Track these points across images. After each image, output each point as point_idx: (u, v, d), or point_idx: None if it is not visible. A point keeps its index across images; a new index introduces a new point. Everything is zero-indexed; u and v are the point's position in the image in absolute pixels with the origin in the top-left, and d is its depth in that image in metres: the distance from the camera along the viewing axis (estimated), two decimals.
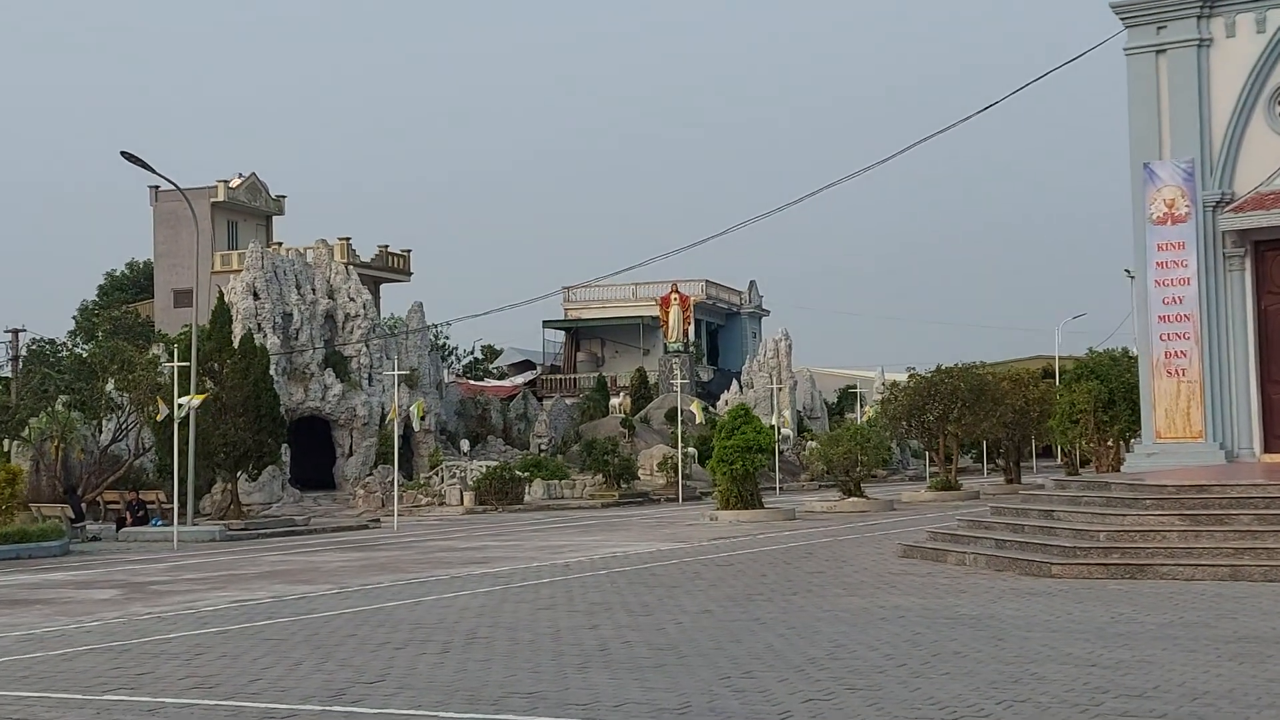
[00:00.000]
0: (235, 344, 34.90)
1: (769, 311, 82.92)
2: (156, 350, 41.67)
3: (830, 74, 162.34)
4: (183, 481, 31.09)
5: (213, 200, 61.49)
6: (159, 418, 30.83)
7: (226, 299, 44.64)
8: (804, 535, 25.75)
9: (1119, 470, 31.31)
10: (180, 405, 29.30)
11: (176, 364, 29.76)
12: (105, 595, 18.02)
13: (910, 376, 41.42)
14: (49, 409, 39.09)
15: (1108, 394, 31.48)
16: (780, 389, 58.84)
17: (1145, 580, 15.46)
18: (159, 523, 31.96)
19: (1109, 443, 32.01)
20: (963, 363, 41.01)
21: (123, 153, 29.82)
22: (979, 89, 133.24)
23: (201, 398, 29.90)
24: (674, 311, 64.04)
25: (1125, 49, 26.31)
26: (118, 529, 32.16)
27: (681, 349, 64.14)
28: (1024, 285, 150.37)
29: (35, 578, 21.20)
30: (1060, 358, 69.09)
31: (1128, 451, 28.57)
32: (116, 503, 36.67)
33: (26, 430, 38.93)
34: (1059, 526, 17.61)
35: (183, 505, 30.82)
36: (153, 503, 34.96)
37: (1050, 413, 43.73)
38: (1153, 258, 25.84)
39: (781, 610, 13.98)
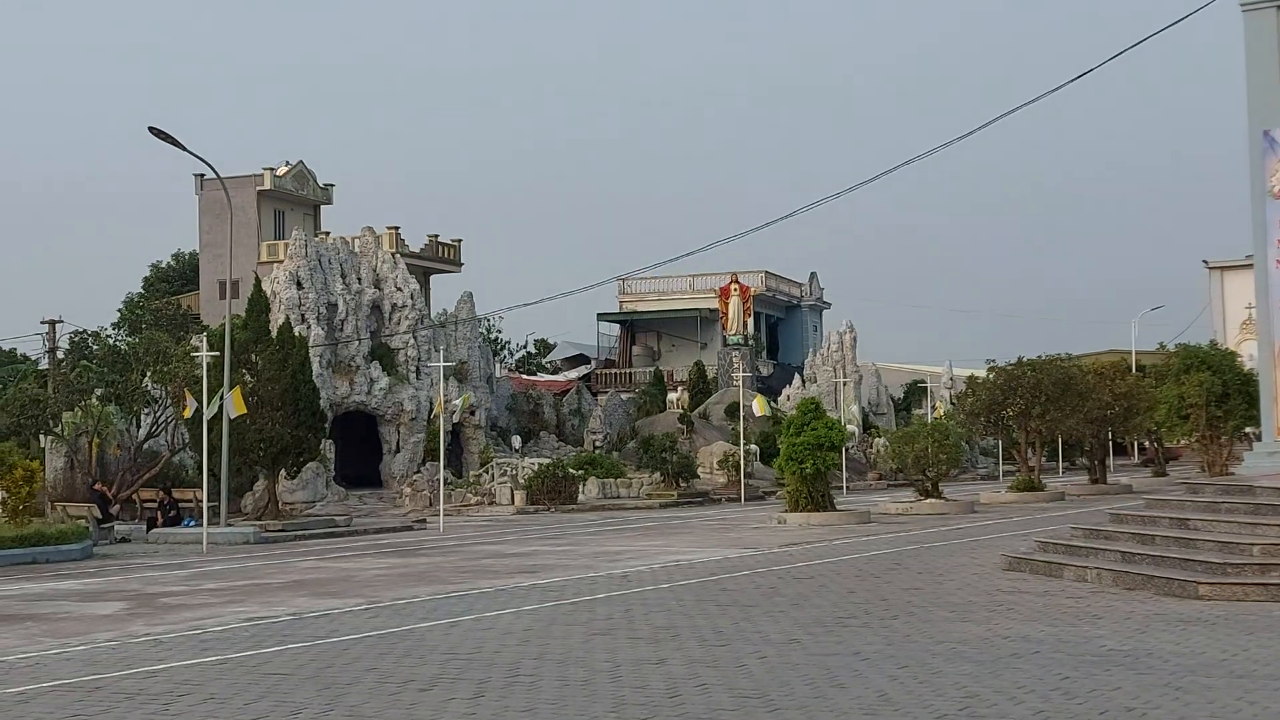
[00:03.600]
0: (274, 334, 33.01)
1: (830, 304, 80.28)
2: (196, 342, 39.86)
3: (900, 49, 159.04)
4: (215, 479, 29.25)
5: (259, 189, 59.78)
6: (187, 413, 28.95)
7: (269, 289, 42.95)
8: (885, 541, 23.38)
9: (1228, 471, 28.73)
10: (215, 402, 27.36)
11: (206, 354, 27.83)
12: (108, 610, 16.03)
13: (989, 369, 38.73)
14: (83, 403, 37.40)
15: (1221, 387, 28.76)
16: (845, 383, 56.32)
17: None
18: (192, 523, 30.10)
19: (1222, 439, 29.33)
20: (1045, 354, 38.30)
21: (150, 128, 28.00)
22: (1053, 64, 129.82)
23: (237, 392, 27.92)
24: (734, 303, 61.62)
25: (1242, 5, 23.73)
26: (148, 530, 30.36)
27: (742, 342, 61.71)
28: (1095, 277, 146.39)
29: (41, 587, 19.30)
30: (1137, 352, 65.99)
31: (1246, 450, 25.95)
32: (153, 501, 34.89)
33: (61, 425, 37.29)
34: (1199, 538, 15.16)
35: (216, 505, 28.98)
36: (188, 501, 33.12)
37: (1137, 408, 40.99)
38: (1274, 235, 23.24)
39: (884, 640, 11.68)
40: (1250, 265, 69.57)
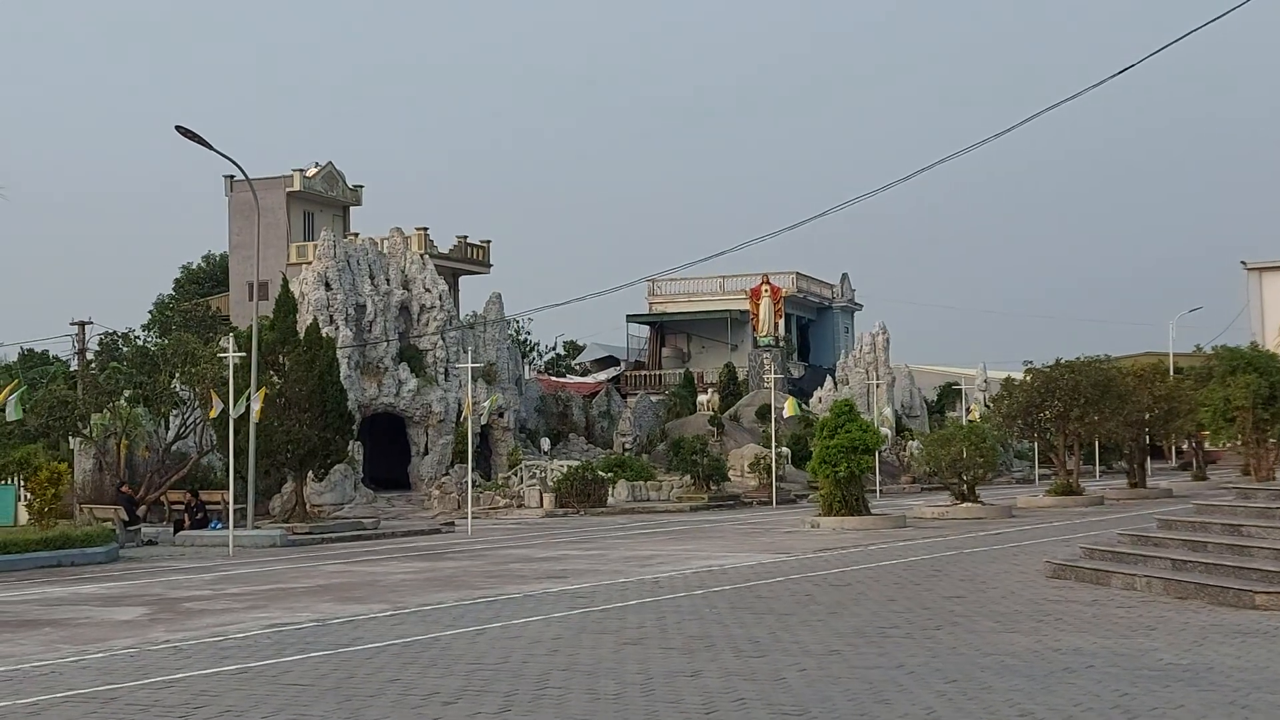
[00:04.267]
0: (302, 335, 32.71)
1: (862, 305, 79.57)
2: (225, 343, 39.72)
3: (923, 46, 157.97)
4: (242, 481, 29.01)
5: (288, 190, 59.66)
6: (213, 413, 28.70)
7: (298, 289, 42.74)
8: (922, 547, 22.86)
9: (1274, 475, 28.02)
10: (242, 403, 27.09)
11: (233, 355, 27.58)
12: (128, 615, 15.71)
13: (1026, 371, 38.06)
14: (112, 404, 37.23)
15: (1268, 389, 28.02)
16: (878, 385, 55.66)
17: None
18: (218, 525, 29.86)
19: (1269, 443, 28.60)
20: (1084, 356, 37.60)
21: (178, 127, 27.78)
22: (1078, 61, 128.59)
23: (261, 394, 27.70)
24: (764, 304, 61.05)
25: None
26: (175, 532, 30.12)
27: (773, 343, 61.12)
28: (1129, 278, 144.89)
29: (63, 591, 19.02)
30: (1175, 355, 65.00)
31: None
32: (180, 503, 34.69)
33: (89, 427, 37.14)
34: (1253, 545, 14.59)
35: (243, 507, 28.72)
36: (216, 504, 32.88)
37: (1178, 411, 40.26)
38: None
39: (928, 652, 11.19)
40: None
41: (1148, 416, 38.36)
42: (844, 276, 78.35)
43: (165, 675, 11.02)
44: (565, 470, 41.92)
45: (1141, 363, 45.68)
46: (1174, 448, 66.04)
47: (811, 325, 76.27)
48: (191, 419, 37.00)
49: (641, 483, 43.77)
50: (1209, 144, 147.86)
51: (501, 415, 47.01)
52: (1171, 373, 50.11)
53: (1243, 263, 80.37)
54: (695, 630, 12.89)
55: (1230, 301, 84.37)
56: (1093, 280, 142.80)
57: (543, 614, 14.54)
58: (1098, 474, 54.09)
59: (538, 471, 43.45)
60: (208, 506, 31.99)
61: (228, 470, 31.10)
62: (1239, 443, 30.00)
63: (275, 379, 30.82)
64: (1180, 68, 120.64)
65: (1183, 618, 12.84)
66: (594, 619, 14.02)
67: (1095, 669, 10.19)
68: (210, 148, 28.40)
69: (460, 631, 13.26)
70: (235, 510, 27.79)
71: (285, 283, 33.53)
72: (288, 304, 32.08)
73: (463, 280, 64.06)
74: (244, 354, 28.97)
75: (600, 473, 41.88)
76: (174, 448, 37.80)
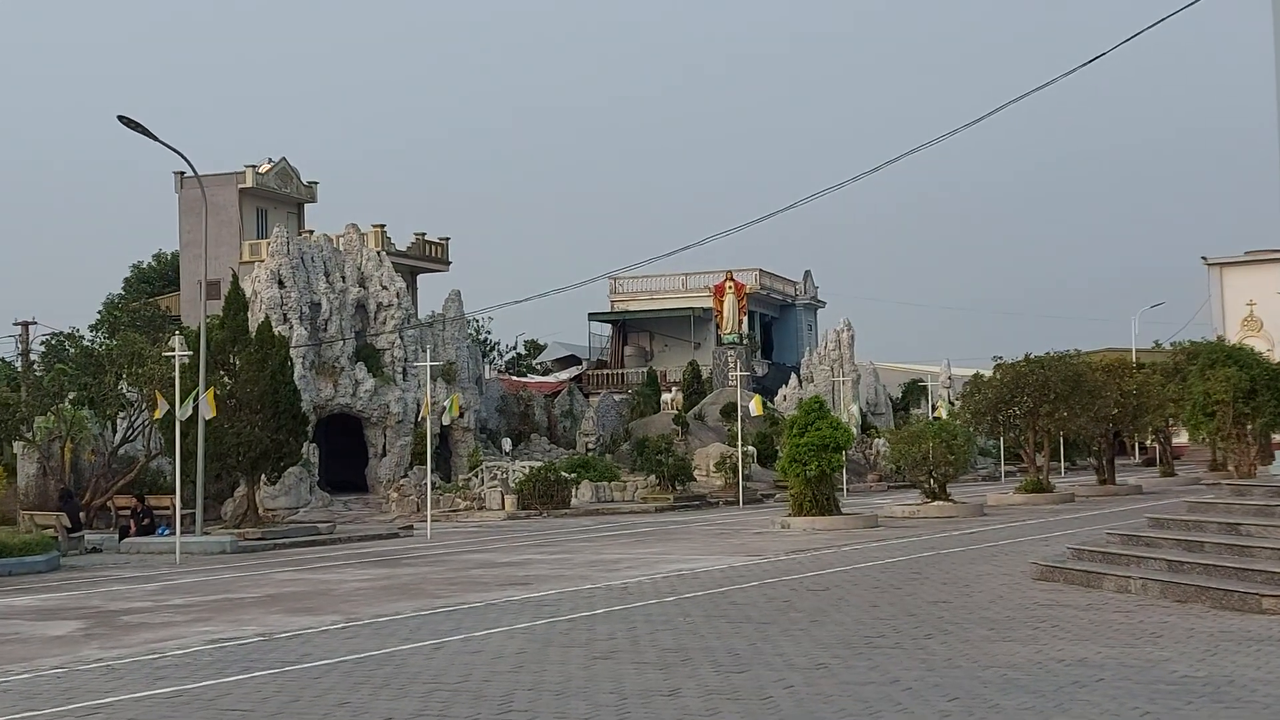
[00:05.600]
0: (253, 334, 31.59)
1: (825, 303, 78.98)
2: (174, 343, 38.47)
3: (894, 49, 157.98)
4: (191, 485, 27.90)
5: (240, 186, 58.23)
6: (158, 414, 27.54)
7: (250, 288, 41.57)
8: (897, 547, 22.11)
9: (1254, 471, 27.52)
10: (189, 404, 25.95)
11: (180, 354, 26.45)
12: (62, 630, 14.66)
13: (996, 367, 37.46)
14: (56, 407, 35.89)
15: (1249, 382, 27.58)
16: (844, 382, 55.02)
17: None
18: (165, 531, 28.70)
19: (1249, 438, 28.16)
20: (1053, 351, 37.03)
21: (120, 117, 26.67)
22: (1048, 56, 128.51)
23: (210, 394, 26.59)
24: (729, 301, 60.28)
25: None
26: (120, 539, 28.94)
27: (737, 340, 60.35)
28: (1088, 274, 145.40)
29: None
30: (1137, 350, 64.80)
31: (1278, 449, 24.71)
32: (127, 508, 33.48)
33: (32, 431, 35.79)
34: (1253, 545, 13.89)
35: (191, 512, 27.62)
36: (165, 509, 31.72)
37: (1147, 406, 39.82)
38: None
39: (922, 665, 10.38)
40: (1252, 262, 68.51)
41: (1116, 412, 37.86)
42: (807, 274, 77.74)
43: (92, 699, 10.05)
44: (527, 471, 40.98)
45: (1106, 358, 45.26)
46: (1137, 444, 65.84)
47: (775, 323, 75.60)
48: (139, 421, 35.73)
49: (605, 483, 42.89)
50: (1171, 142, 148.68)
51: (462, 415, 46.01)
52: (1134, 367, 49.67)
53: (1203, 258, 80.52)
54: (669, 642, 12.03)
55: (1191, 297, 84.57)
56: (1055, 277, 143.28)
57: (506, 625, 13.65)
58: (1063, 470, 53.70)
59: (499, 473, 42.49)
60: (155, 512, 30.81)
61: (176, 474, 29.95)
62: (1219, 437, 29.54)
63: (225, 379, 29.71)
64: (1142, 67, 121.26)
65: (1186, 623, 12.10)
66: (561, 630, 13.14)
67: (1106, 682, 9.42)
68: (155, 139, 27.29)
69: (417, 645, 12.34)
70: (183, 515, 26.71)
71: (235, 279, 32.37)
72: (238, 302, 30.97)
73: (421, 278, 62.88)
74: (192, 353, 27.86)
75: (563, 473, 40.97)
76: (121, 451, 36.52)
